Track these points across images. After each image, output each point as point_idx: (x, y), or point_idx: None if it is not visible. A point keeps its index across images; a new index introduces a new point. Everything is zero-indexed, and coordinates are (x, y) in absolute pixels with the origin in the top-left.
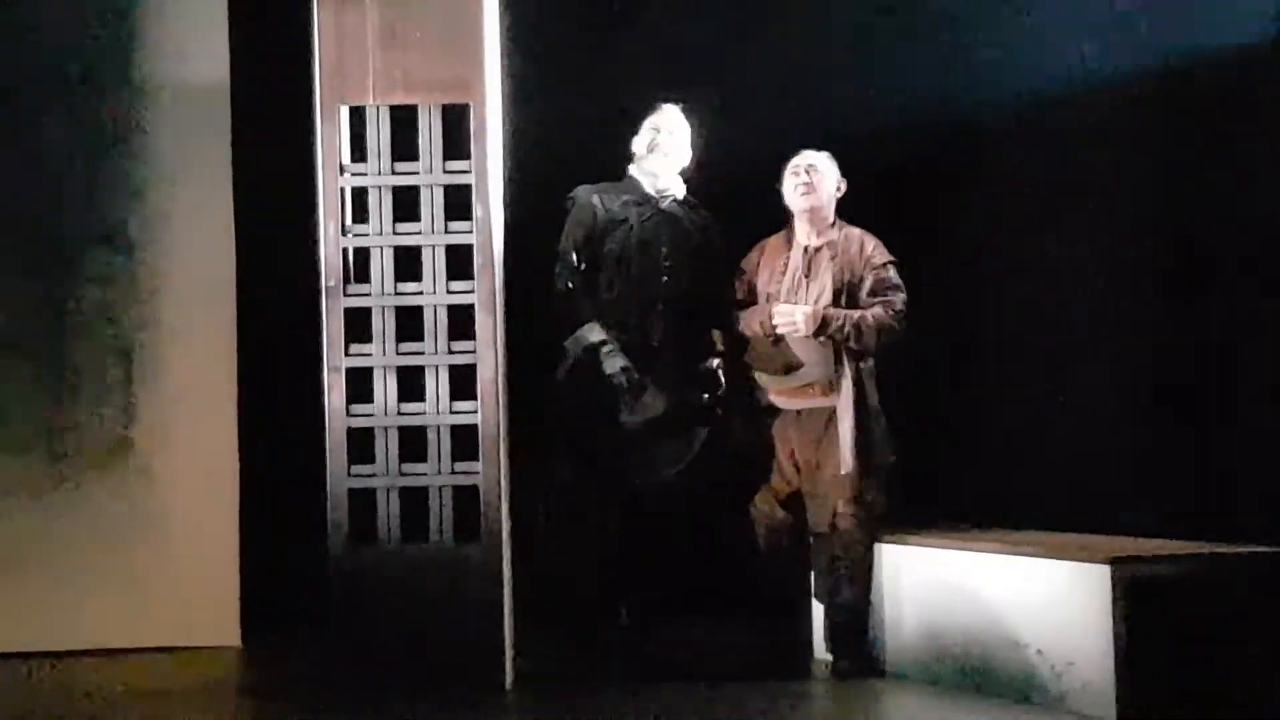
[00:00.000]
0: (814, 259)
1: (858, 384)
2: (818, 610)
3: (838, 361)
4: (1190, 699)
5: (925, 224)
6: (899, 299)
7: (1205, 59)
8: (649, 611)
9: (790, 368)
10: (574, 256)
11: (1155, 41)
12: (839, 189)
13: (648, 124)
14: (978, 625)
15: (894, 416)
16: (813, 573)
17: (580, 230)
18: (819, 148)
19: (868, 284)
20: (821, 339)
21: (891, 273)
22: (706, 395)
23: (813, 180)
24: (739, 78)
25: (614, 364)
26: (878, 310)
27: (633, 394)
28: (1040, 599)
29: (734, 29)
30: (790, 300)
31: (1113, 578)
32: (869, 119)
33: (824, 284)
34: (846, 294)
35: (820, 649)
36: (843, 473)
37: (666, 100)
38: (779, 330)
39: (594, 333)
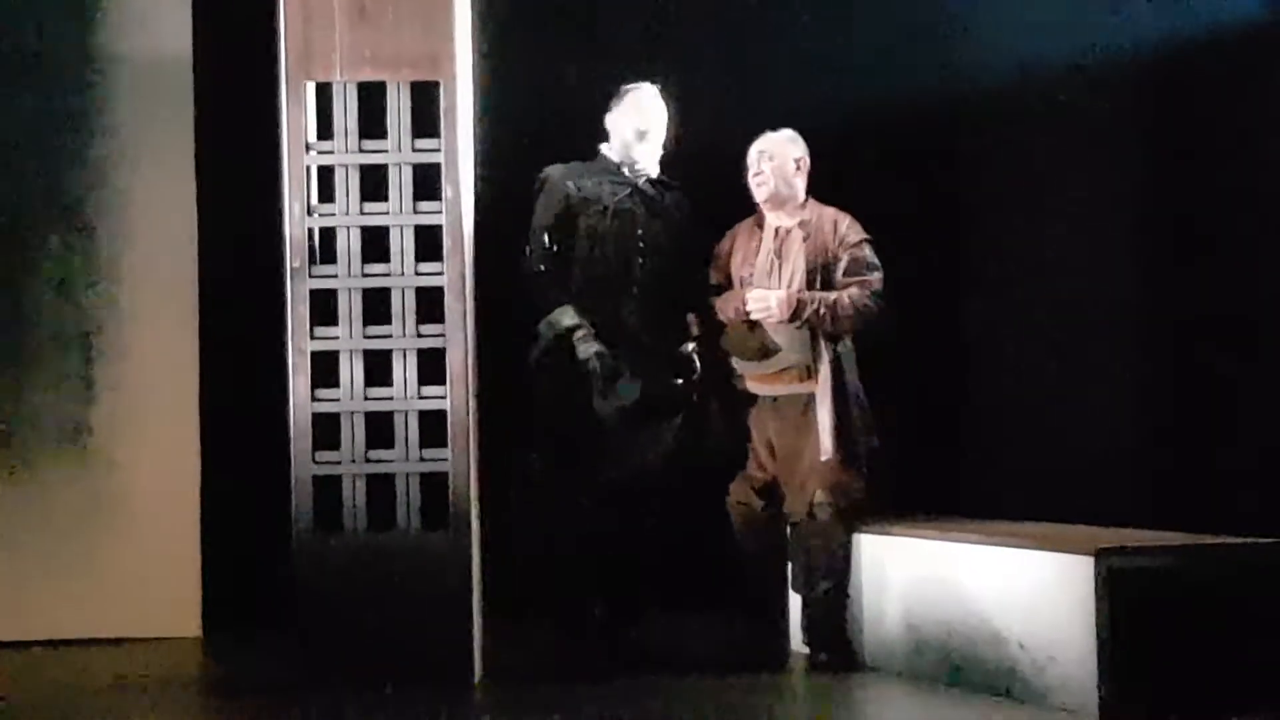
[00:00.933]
0: (785, 241)
1: (836, 368)
2: (796, 602)
3: (815, 345)
4: (1174, 693)
5: (912, 208)
6: (876, 278)
7: (1202, 40)
8: (623, 604)
9: (766, 353)
10: (546, 238)
11: (1152, 23)
12: (798, 166)
13: (628, 104)
14: (959, 618)
15: (878, 405)
16: (790, 563)
17: (552, 211)
18: (798, 127)
19: (843, 264)
20: (796, 324)
21: (867, 251)
22: (680, 380)
23: (764, 169)
24: (714, 56)
25: (588, 349)
26: (854, 291)
27: (607, 380)
28: (1022, 591)
29: (710, 6)
30: (764, 284)
31: (1096, 569)
32: (853, 99)
33: (796, 266)
34: (821, 275)
35: (798, 641)
36: (822, 459)
37: (642, 79)
38: (753, 316)
39: (567, 316)
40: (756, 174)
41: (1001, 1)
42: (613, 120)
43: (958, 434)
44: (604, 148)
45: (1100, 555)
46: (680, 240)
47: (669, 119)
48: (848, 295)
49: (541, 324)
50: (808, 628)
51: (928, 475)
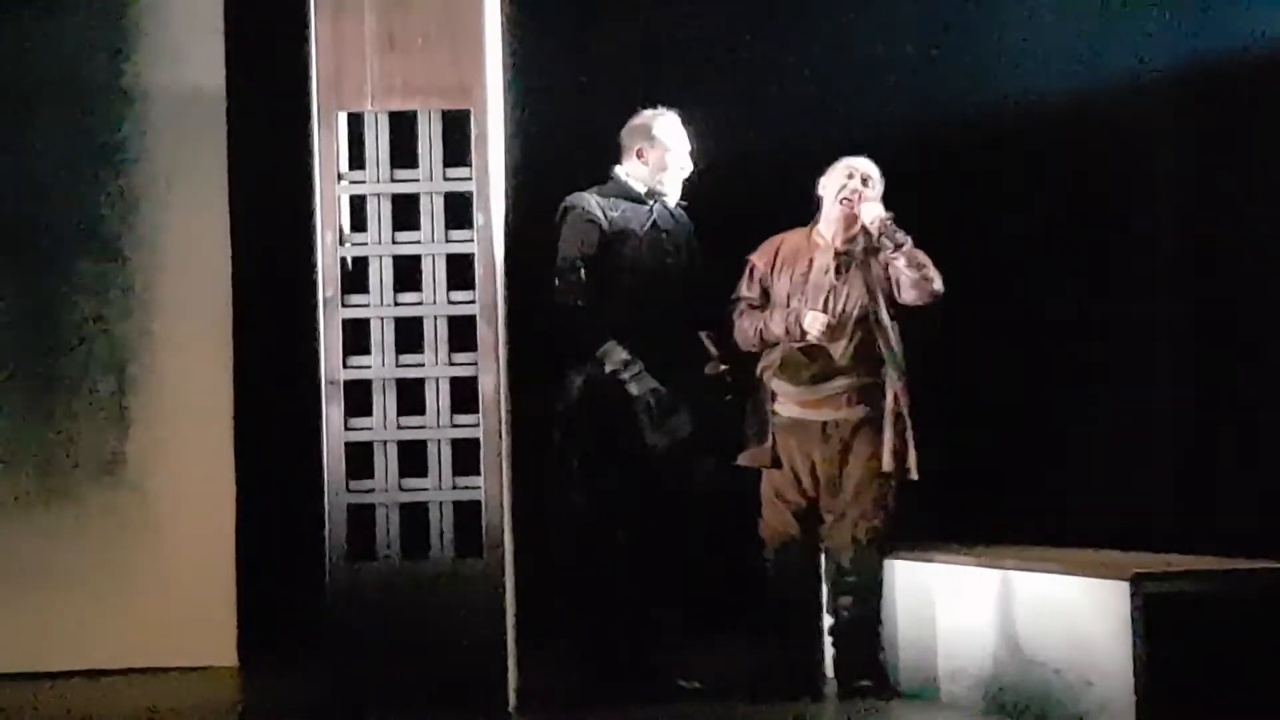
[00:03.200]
0: (844, 262)
1: (897, 390)
2: (829, 626)
3: (871, 367)
4: (1212, 717)
5: (952, 228)
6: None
7: (1242, 55)
8: (658, 631)
9: (824, 377)
10: (582, 271)
11: (1191, 39)
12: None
13: (652, 130)
14: (993, 643)
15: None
16: (825, 589)
17: (587, 242)
18: (836, 150)
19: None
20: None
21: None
22: (729, 396)
23: (865, 193)
24: (743, 82)
25: (644, 385)
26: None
27: (664, 415)
28: (1058, 616)
29: (738, 32)
30: (818, 302)
31: (1132, 594)
32: (888, 120)
33: (856, 289)
34: (886, 297)
35: (832, 667)
36: (885, 469)
37: (663, 106)
38: (811, 338)
39: (618, 352)
40: (858, 192)
41: (1033, 18)
42: (634, 145)
43: (994, 459)
44: (620, 171)
45: (1137, 580)
46: (697, 265)
47: (691, 144)
48: (900, 261)
49: (589, 361)
50: (842, 654)
51: (963, 501)
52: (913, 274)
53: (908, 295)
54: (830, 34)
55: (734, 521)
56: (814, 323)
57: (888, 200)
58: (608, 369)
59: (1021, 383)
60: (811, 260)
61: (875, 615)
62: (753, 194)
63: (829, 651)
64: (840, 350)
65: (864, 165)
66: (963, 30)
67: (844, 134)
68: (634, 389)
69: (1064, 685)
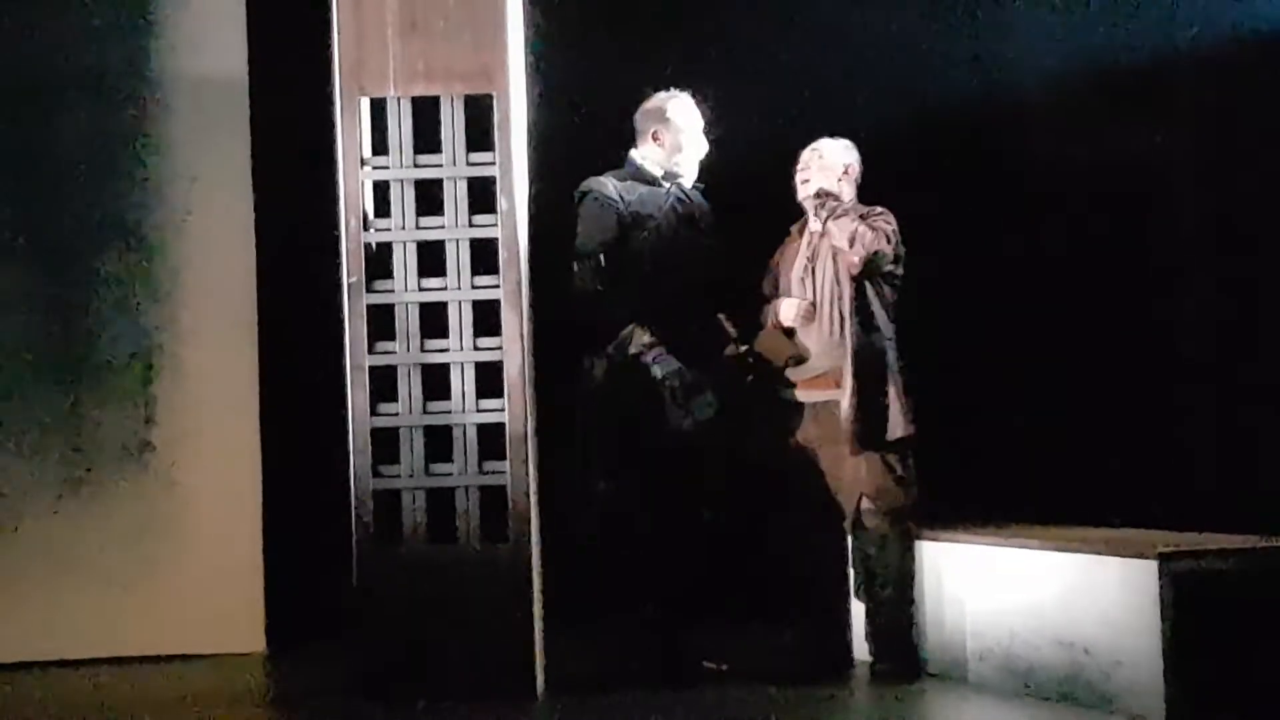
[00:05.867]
0: (819, 245)
1: (860, 360)
2: (858, 610)
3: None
4: (1241, 696)
5: (961, 211)
6: (886, 219)
7: (1258, 38)
8: (685, 614)
9: (798, 360)
10: (601, 257)
11: (1209, 20)
12: (846, 171)
13: (667, 112)
14: (1022, 624)
15: (936, 409)
16: (851, 571)
17: (606, 228)
18: (849, 135)
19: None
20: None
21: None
22: (750, 377)
23: (810, 167)
24: (764, 65)
25: (668, 367)
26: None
27: (688, 396)
28: (1086, 596)
29: (758, 13)
30: (798, 290)
31: (1161, 573)
32: (902, 104)
33: (827, 270)
34: (863, 278)
35: (861, 650)
36: (849, 452)
37: (688, 87)
38: (784, 323)
39: (640, 334)
40: (802, 171)
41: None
42: (649, 128)
43: (1018, 438)
44: (635, 155)
45: (1165, 559)
46: (715, 247)
47: (708, 127)
48: (863, 225)
49: (612, 345)
50: (871, 636)
51: (988, 480)
52: (842, 244)
53: (844, 266)
54: (850, 14)
55: (760, 503)
56: (788, 310)
57: (887, 186)
58: (631, 351)
59: (1050, 362)
60: (798, 248)
61: (904, 597)
62: (770, 176)
63: (857, 632)
64: (816, 332)
65: (822, 144)
66: (976, 14)
67: (861, 114)
68: (657, 371)
69: (1093, 665)
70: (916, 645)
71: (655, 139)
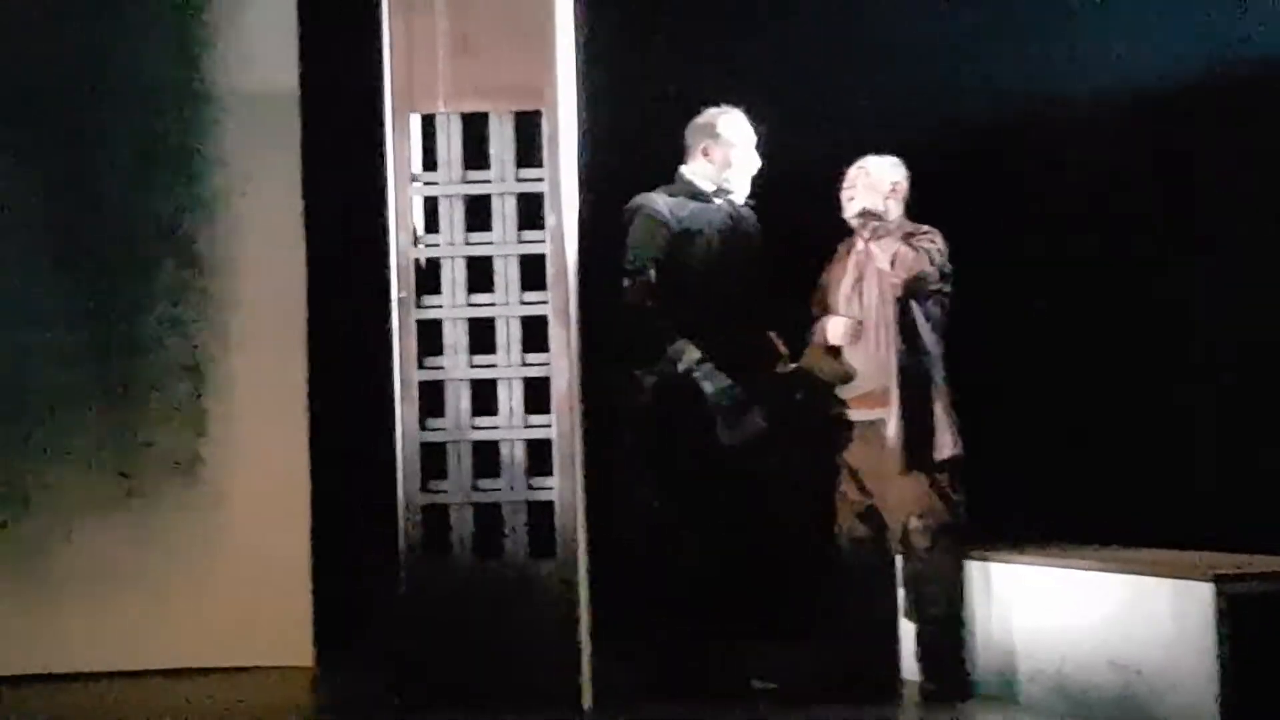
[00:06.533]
0: (865, 265)
1: (906, 379)
2: (906, 630)
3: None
4: None
5: (1011, 228)
6: (931, 238)
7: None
8: (733, 630)
9: (845, 378)
10: (652, 272)
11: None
12: (893, 189)
13: (718, 128)
14: (1074, 645)
15: (987, 427)
16: (901, 590)
17: (656, 244)
18: (895, 151)
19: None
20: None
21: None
22: (799, 395)
23: (856, 184)
24: (812, 80)
25: (718, 384)
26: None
27: (737, 413)
28: (1139, 618)
29: (808, 32)
30: (845, 308)
31: (1216, 596)
32: (952, 120)
33: (873, 289)
34: (908, 297)
35: (909, 669)
36: (896, 471)
37: (730, 104)
38: (831, 342)
39: (691, 351)
40: (848, 188)
41: (1106, 15)
42: (699, 144)
43: (1068, 456)
44: (686, 170)
45: (1220, 581)
46: (765, 263)
47: (758, 142)
48: (905, 245)
49: (662, 361)
50: (920, 655)
51: (1039, 499)
52: (884, 265)
53: (886, 286)
54: (902, 32)
55: (809, 521)
56: (835, 328)
57: (935, 199)
58: (680, 368)
59: (1095, 381)
60: (845, 266)
61: (953, 617)
62: (821, 192)
63: (907, 652)
64: (863, 351)
65: (869, 161)
66: (1028, 30)
67: (910, 132)
68: (707, 387)
69: (1146, 687)
70: (966, 666)
71: (705, 154)
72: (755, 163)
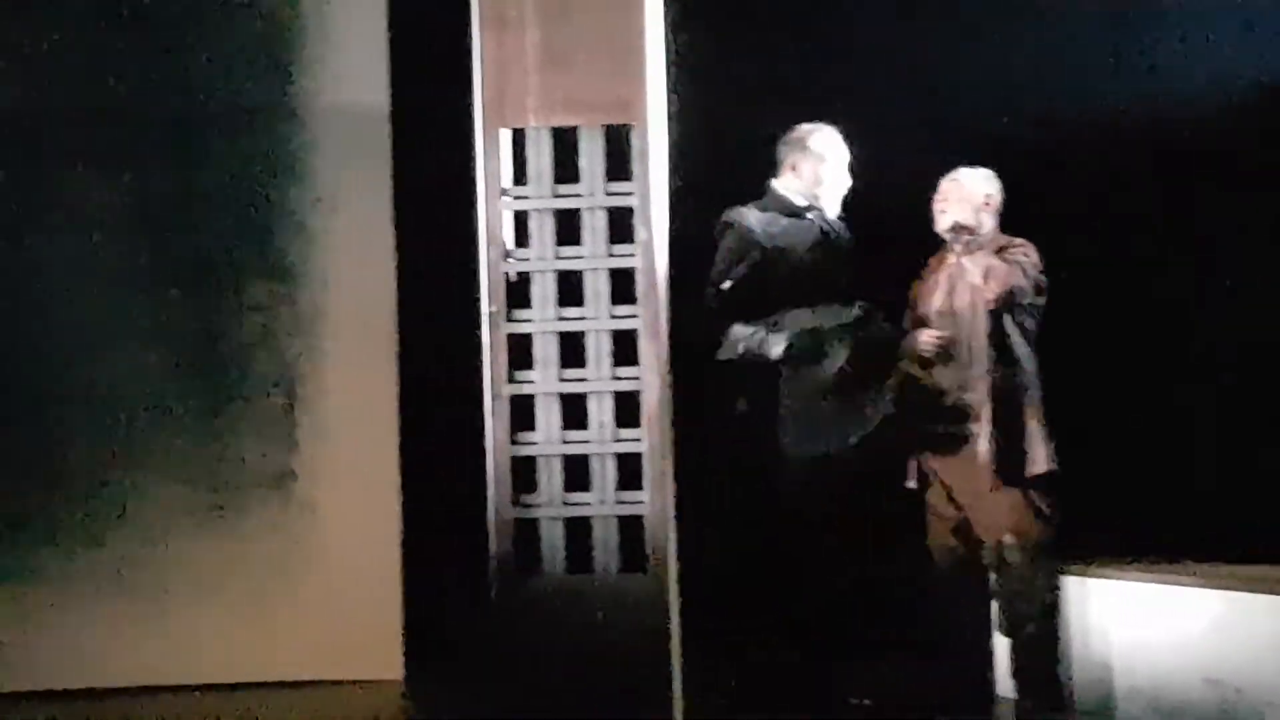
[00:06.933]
0: (956, 278)
1: (998, 394)
2: (1001, 645)
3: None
4: None
5: (1105, 240)
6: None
7: None
8: (825, 645)
9: (938, 393)
10: (739, 285)
11: None
12: (987, 202)
13: (810, 145)
14: (1170, 661)
15: (1079, 441)
16: (995, 606)
17: (746, 260)
18: (991, 164)
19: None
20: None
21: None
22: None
23: (948, 198)
24: (905, 94)
25: (778, 339)
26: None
27: (814, 355)
28: (1237, 634)
29: (899, 44)
30: (939, 322)
31: None
32: (1046, 131)
33: (964, 303)
34: (1001, 311)
35: (1004, 686)
36: (989, 487)
37: (821, 117)
38: (923, 354)
39: (741, 329)
40: (940, 201)
41: (1204, 25)
42: (790, 159)
43: (1165, 471)
44: (776, 185)
45: None
46: (857, 278)
47: (850, 160)
48: (998, 259)
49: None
50: (1015, 672)
51: (1136, 513)
52: (976, 280)
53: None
54: (994, 43)
55: (903, 536)
56: (927, 341)
57: (1029, 211)
58: (741, 350)
59: (1200, 394)
60: (936, 279)
61: (1048, 633)
62: (912, 205)
63: (1001, 669)
64: (955, 365)
65: (961, 173)
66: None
67: (1005, 144)
68: (776, 348)
69: (1244, 704)
70: (1062, 682)
71: (795, 169)
72: (846, 180)
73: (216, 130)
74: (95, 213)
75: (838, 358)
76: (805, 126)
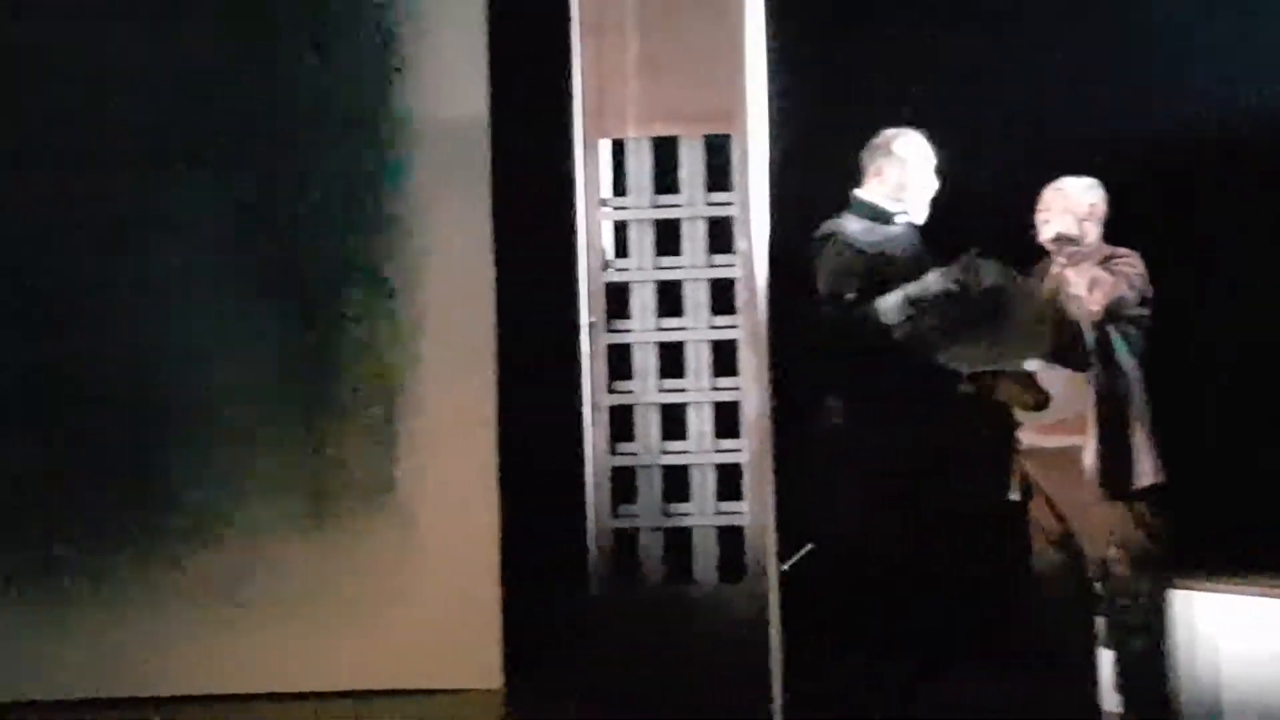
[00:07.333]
0: (1060, 288)
1: (1103, 406)
2: (1106, 659)
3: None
4: None
5: (1214, 248)
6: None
7: None
8: (927, 658)
9: (1040, 404)
10: (851, 297)
11: None
12: (1090, 212)
13: (897, 150)
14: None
15: (1186, 453)
16: (1100, 619)
17: (853, 272)
18: (1095, 172)
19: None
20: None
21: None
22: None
23: (1053, 208)
24: (1005, 99)
25: (906, 300)
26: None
27: (968, 276)
28: None
29: (1000, 51)
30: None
31: None
32: (1150, 138)
33: (1070, 312)
34: (1106, 322)
35: (1109, 700)
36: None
37: (918, 124)
38: (1026, 368)
39: (885, 300)
40: (1043, 211)
41: None
42: (874, 165)
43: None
44: (861, 193)
45: None
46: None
47: (948, 163)
48: (1102, 270)
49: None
50: (1121, 686)
51: (1246, 526)
52: (1080, 291)
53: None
54: (1098, 51)
55: (1005, 549)
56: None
57: (1133, 221)
58: (893, 316)
59: None
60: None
61: (1155, 648)
62: (1017, 215)
63: (1106, 683)
64: (1059, 377)
65: (1064, 182)
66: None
67: (1108, 152)
68: (919, 288)
69: None
70: (1169, 697)
71: (879, 175)
72: (933, 184)
73: (317, 141)
74: (196, 223)
75: (989, 275)
76: (889, 131)
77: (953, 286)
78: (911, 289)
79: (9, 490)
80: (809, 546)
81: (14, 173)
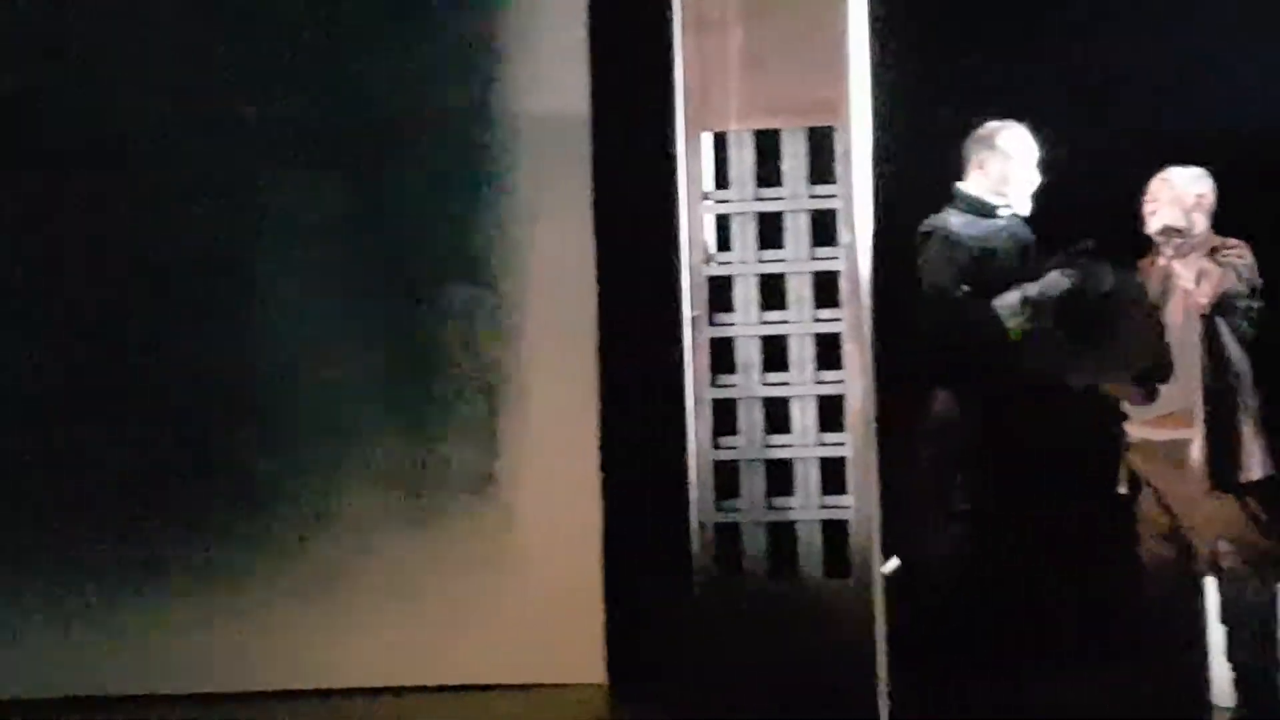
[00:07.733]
0: (1168, 281)
1: (1212, 399)
2: (1218, 655)
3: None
4: None
5: None
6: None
7: None
8: (1035, 654)
9: (1150, 397)
10: (958, 293)
11: None
12: (1198, 202)
13: (1000, 143)
14: None
15: None
16: (1210, 614)
17: (959, 266)
18: (1203, 162)
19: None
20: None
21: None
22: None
23: (1159, 198)
24: (1110, 90)
25: (1053, 280)
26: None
27: (1087, 274)
28: None
29: (1106, 42)
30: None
31: None
32: (1261, 129)
33: (1177, 306)
34: (1214, 314)
35: (1221, 695)
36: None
37: (1023, 117)
38: None
39: (1011, 298)
40: (1150, 202)
41: None
42: (977, 158)
43: None
44: (962, 186)
45: None
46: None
47: (1053, 156)
48: (1210, 262)
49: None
50: (1234, 682)
51: None
52: (1189, 284)
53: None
54: (1202, 40)
55: (1114, 543)
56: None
57: (1242, 211)
58: (1035, 293)
59: None
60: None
61: (1268, 643)
62: (1124, 206)
63: (1218, 678)
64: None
65: (1171, 173)
66: None
67: (1216, 141)
68: (1047, 282)
69: None
70: None
71: (981, 168)
72: (1035, 178)
73: (419, 136)
74: (303, 220)
75: (1105, 279)
76: (992, 124)
77: (1072, 286)
78: (1030, 289)
79: (118, 488)
80: (895, 561)
81: (128, 171)
